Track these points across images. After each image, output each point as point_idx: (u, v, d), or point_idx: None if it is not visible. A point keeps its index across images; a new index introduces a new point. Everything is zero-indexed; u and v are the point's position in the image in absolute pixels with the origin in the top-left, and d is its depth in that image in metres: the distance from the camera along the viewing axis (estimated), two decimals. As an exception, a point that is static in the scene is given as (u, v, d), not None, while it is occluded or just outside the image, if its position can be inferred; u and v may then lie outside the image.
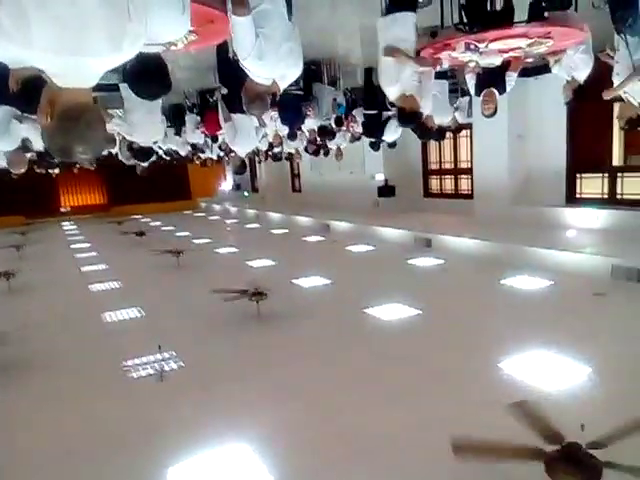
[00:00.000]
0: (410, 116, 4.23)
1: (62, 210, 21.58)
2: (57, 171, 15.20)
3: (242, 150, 6.43)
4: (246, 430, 3.29)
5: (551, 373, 3.85)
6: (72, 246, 13.20)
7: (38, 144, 5.40)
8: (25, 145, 5.19)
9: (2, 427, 3.65)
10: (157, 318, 6.13)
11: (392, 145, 8.77)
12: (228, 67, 4.08)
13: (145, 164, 10.11)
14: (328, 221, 12.76)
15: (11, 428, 3.63)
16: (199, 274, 8.60)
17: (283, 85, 3.02)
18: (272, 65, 2.74)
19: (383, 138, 8.16)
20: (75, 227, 18.26)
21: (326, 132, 8.24)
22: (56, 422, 3.66)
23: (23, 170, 5.90)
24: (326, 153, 11.23)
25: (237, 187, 22.19)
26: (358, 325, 5.37)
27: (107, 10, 1.38)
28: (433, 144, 11.94)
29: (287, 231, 13.41)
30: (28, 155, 6.31)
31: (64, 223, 19.64)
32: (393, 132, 7.89)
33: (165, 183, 21.21)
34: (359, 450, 3.03)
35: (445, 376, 3.96)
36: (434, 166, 12.53)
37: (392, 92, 4.06)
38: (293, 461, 2.97)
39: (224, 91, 5.65)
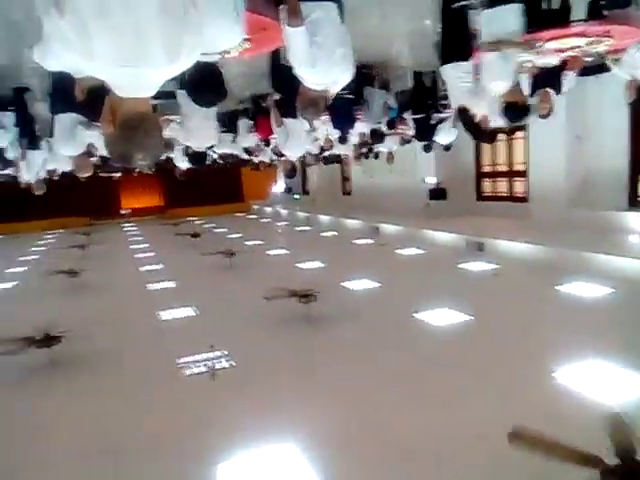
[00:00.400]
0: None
1: (122, 212, 22.57)
2: (119, 175, 15.91)
3: (293, 154, 6.53)
4: (293, 429, 3.34)
5: (610, 385, 3.69)
6: (131, 246, 13.78)
7: (102, 149, 5.70)
8: (90, 150, 5.48)
9: (57, 421, 3.84)
10: (210, 317, 6.32)
11: (448, 148, 8.65)
12: (281, 73, 4.17)
13: (183, 167, 10.40)
14: (378, 224, 12.72)
15: (65, 422, 3.81)
16: (250, 275, 8.78)
17: (335, 90, 3.06)
18: (325, 71, 2.78)
19: (437, 140, 8.07)
20: (134, 228, 19.04)
21: (377, 135, 8.24)
22: (108, 417, 3.81)
23: (88, 174, 6.24)
24: (376, 156, 11.21)
25: (288, 190, 22.46)
26: (406, 329, 5.34)
27: (164, 21, 1.40)
28: (486, 146, 11.69)
29: (337, 234, 13.46)
30: (93, 160, 6.64)
31: (124, 224, 20.51)
32: (447, 134, 7.79)
33: (219, 186, 21.90)
34: (400, 449, 3.04)
35: (495, 383, 3.88)
36: (487, 169, 12.25)
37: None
38: (339, 463, 2.99)
39: (277, 96, 5.76)
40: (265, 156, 11.78)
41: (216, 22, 2.12)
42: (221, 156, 11.81)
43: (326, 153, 11.84)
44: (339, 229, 14.05)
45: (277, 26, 2.88)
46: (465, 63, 4.03)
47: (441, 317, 5.53)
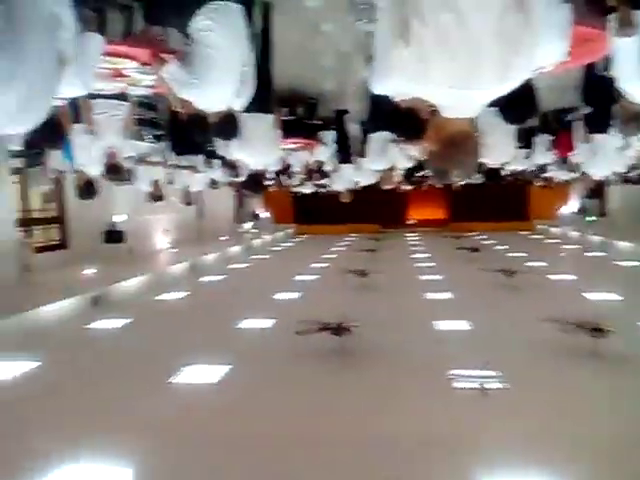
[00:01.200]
0: None
1: (408, 222, 24.00)
2: (410, 187, 16.91)
3: (601, 172, 5.97)
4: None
5: None
6: (412, 255, 14.54)
7: (403, 164, 6.25)
8: (395, 165, 6.09)
9: (323, 402, 4.23)
10: (485, 334, 6.19)
11: None
12: (596, 86, 3.91)
13: (463, 181, 10.39)
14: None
15: (332, 404, 4.18)
16: (529, 297, 8.29)
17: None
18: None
19: None
20: (417, 238, 19.94)
21: None
22: (371, 410, 4.06)
23: (391, 186, 6.93)
24: None
25: (581, 211, 20.29)
26: None
27: (500, 44, 1.45)
28: None
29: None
30: (396, 174, 7.36)
31: (409, 234, 21.65)
32: None
33: (502, 203, 21.46)
34: None
35: None
36: None
37: None
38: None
39: (585, 110, 5.37)
40: (559, 174, 10.98)
41: (546, 40, 2.12)
42: (512, 173, 11.49)
43: (633, 172, 10.37)
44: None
45: (603, 37, 2.74)
46: None
47: None
